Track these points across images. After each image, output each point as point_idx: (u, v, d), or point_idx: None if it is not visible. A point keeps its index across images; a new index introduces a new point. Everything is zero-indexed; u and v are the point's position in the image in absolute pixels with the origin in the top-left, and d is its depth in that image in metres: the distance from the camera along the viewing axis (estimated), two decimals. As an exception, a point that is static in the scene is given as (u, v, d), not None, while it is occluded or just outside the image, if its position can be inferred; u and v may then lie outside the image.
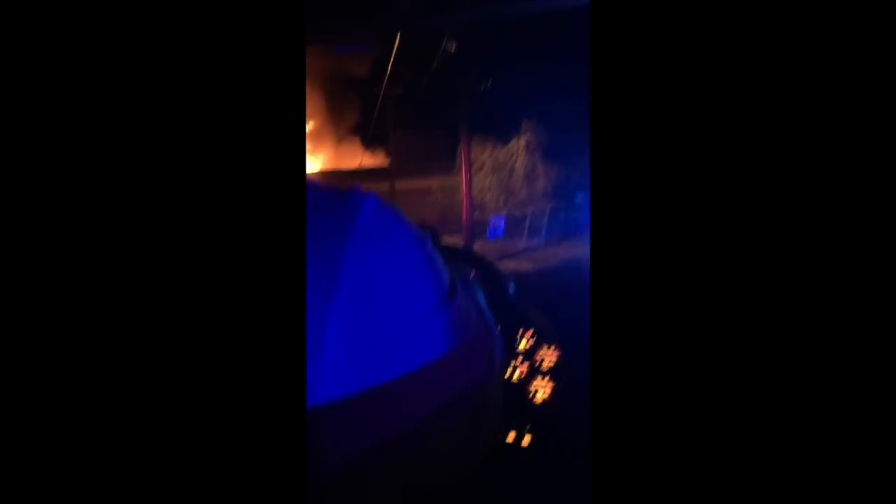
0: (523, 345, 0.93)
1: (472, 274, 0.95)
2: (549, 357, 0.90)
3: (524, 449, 0.84)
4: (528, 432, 0.84)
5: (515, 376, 0.91)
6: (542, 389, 0.88)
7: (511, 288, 0.89)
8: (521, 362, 0.91)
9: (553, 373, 0.88)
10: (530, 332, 0.93)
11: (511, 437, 0.85)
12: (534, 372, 0.90)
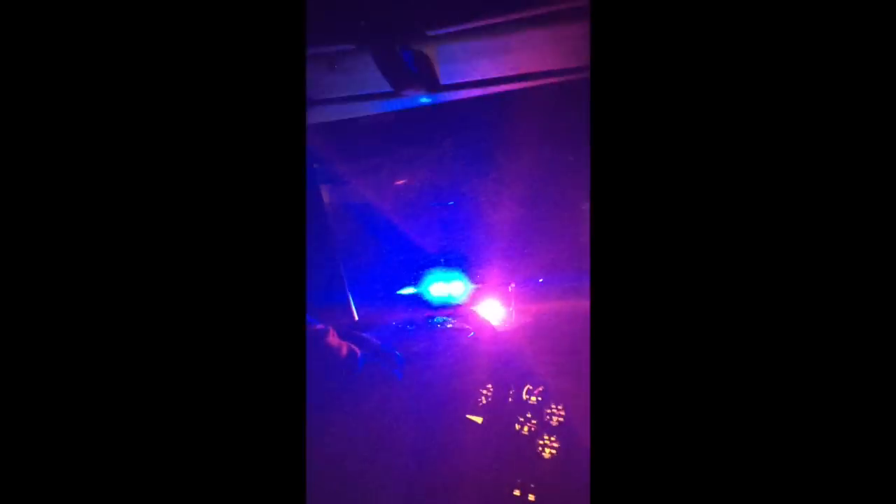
0: (533, 400, 0.96)
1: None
2: (557, 414, 0.94)
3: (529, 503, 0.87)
4: (532, 491, 0.88)
5: (525, 430, 0.94)
6: (549, 447, 0.91)
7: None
8: (531, 418, 0.95)
9: (559, 431, 0.92)
10: (540, 389, 0.97)
11: (517, 492, 0.89)
12: (542, 428, 0.93)
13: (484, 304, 1.21)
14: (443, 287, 1.22)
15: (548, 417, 0.94)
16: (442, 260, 1.26)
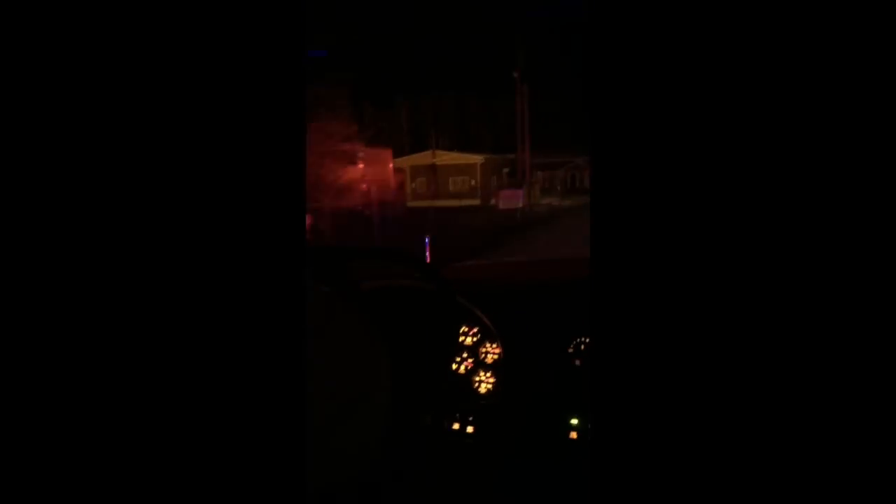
0: (469, 341, 1.02)
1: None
2: (492, 352, 1.00)
3: (468, 435, 0.97)
4: (472, 423, 0.96)
5: (462, 369, 1.01)
6: (485, 382, 0.99)
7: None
8: (467, 357, 1.01)
9: (495, 367, 0.99)
10: (475, 330, 1.02)
11: (456, 425, 0.97)
12: (478, 366, 1.00)
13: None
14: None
15: (483, 356, 1.01)
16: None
